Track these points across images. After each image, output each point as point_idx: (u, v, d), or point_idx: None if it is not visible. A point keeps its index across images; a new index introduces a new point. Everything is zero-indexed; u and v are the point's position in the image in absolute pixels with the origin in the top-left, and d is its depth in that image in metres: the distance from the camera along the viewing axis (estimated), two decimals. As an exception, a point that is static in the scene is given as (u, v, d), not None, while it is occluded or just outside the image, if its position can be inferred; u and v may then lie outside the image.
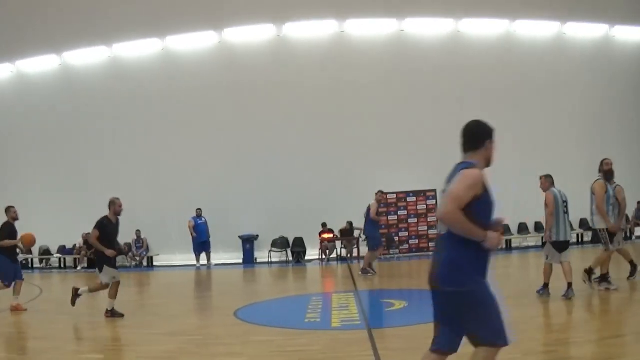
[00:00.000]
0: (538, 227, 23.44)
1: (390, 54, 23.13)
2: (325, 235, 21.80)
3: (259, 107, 22.74)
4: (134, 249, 22.74)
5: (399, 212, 23.00)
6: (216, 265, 21.61)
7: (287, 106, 22.67)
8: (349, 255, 21.81)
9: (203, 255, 21.75)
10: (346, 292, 13.15)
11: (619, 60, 25.05)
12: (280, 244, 22.21)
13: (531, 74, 23.81)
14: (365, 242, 17.53)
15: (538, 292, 10.81)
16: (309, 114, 22.68)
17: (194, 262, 21.53)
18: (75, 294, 11.07)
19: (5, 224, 12.48)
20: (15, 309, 11.94)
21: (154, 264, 23.17)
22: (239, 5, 22.59)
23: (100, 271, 10.79)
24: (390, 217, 22.86)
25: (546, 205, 11.05)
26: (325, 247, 21.80)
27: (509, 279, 14.29)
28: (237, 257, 22.28)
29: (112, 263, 10.92)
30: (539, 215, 23.12)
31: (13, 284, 12.25)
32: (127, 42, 23.31)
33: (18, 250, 13.09)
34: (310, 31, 22.99)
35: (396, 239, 22.57)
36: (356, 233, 21.52)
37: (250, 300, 12.50)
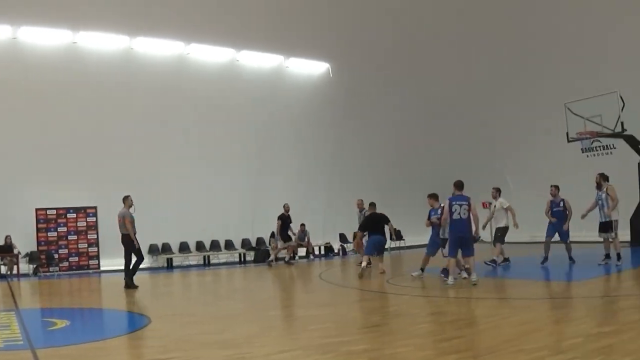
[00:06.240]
0: (199, 246, 24.82)
1: (61, 68, 22.78)
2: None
3: None
4: None
5: (59, 229, 22.72)
6: None
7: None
8: (9, 272, 20.87)
9: None
10: (6, 310, 12.71)
11: (292, 87, 27.97)
12: None
13: (206, 96, 25.42)
14: None
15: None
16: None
17: None
18: None
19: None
20: None
21: None
22: None
23: None
24: (49, 234, 22.51)
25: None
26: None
27: (173, 297, 15.13)
28: None
29: None
30: (200, 236, 24.83)
31: None
32: None
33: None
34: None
35: (56, 256, 22.24)
36: (16, 250, 20.86)
37: None
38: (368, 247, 18.04)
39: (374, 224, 18.12)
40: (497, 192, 18.29)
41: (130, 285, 16.14)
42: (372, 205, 19.02)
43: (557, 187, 17.80)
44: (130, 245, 16.24)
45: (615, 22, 24.10)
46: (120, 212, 16.44)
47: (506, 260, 18.17)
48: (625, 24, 23.87)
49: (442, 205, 15.10)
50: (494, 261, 17.74)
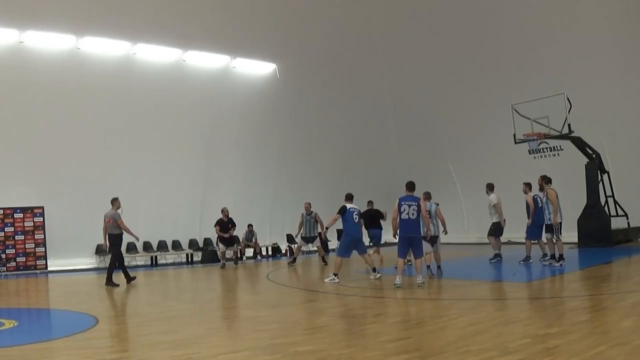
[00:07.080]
0: (146, 246, 24.81)
1: (8, 67, 22.52)
2: None
3: None
4: None
5: (6, 229, 22.56)
6: None
7: None
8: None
9: None
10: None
11: (239, 88, 28.14)
12: None
13: (152, 95, 25.32)
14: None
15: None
16: None
17: None
18: None
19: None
20: None
21: None
22: None
23: None
24: (-4, 234, 22.37)
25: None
26: None
27: (121, 298, 15.20)
28: None
29: None
30: (148, 235, 24.83)
31: None
32: None
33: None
34: None
35: (3, 256, 22.11)
36: None
37: None
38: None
39: (374, 219, 19.89)
40: (489, 188, 18.97)
41: (112, 282, 17.14)
42: (370, 202, 20.70)
43: (527, 185, 18.45)
44: (118, 243, 17.28)
45: (564, 22, 24.84)
46: (109, 214, 17.13)
47: (498, 256, 18.92)
48: (573, 24, 24.61)
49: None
50: (497, 255, 18.85)
